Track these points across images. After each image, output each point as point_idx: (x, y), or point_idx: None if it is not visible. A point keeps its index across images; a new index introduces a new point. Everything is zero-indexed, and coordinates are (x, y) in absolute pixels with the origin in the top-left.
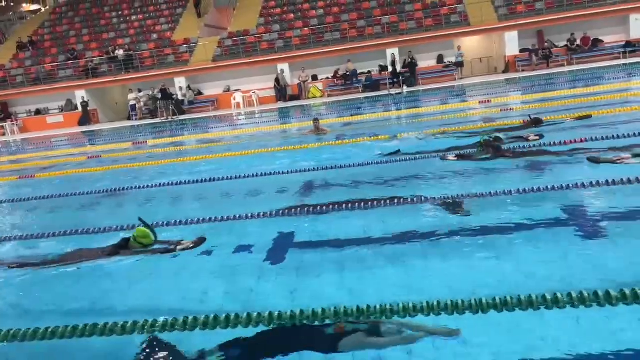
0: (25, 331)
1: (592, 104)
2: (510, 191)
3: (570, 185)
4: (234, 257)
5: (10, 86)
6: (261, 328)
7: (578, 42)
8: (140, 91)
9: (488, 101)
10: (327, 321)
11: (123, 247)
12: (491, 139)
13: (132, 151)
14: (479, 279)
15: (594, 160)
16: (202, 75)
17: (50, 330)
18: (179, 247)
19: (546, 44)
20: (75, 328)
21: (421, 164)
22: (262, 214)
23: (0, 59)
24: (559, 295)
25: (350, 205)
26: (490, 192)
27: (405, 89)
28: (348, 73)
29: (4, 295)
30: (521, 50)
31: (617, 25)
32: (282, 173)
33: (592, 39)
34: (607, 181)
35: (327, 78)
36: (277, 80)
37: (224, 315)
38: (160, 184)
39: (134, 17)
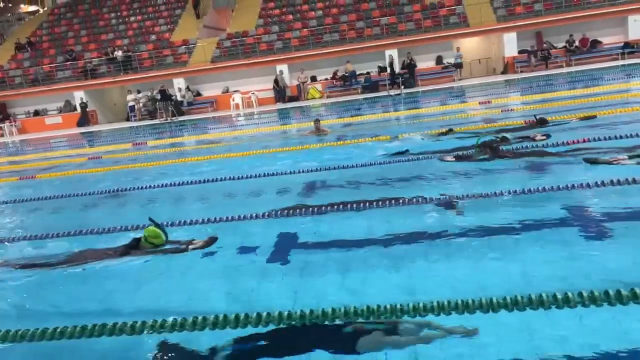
0: (33, 331)
1: (591, 104)
2: (509, 191)
3: (568, 185)
4: (239, 257)
5: (9, 87)
6: (270, 327)
7: (577, 43)
8: (139, 92)
9: (488, 102)
10: (337, 321)
11: (134, 247)
12: (495, 138)
13: (132, 152)
14: (482, 278)
15: (591, 161)
16: (200, 76)
17: (59, 330)
18: (190, 247)
19: (545, 45)
20: (84, 328)
21: (422, 164)
22: (266, 214)
23: None
24: (569, 294)
25: (354, 205)
26: (489, 193)
27: (402, 90)
28: (347, 74)
29: (13, 296)
30: (520, 52)
31: (616, 27)
32: (285, 173)
33: (590, 40)
34: (603, 182)
35: (326, 79)
36: (276, 81)
37: (233, 315)
38: (162, 185)
39: (132, 18)
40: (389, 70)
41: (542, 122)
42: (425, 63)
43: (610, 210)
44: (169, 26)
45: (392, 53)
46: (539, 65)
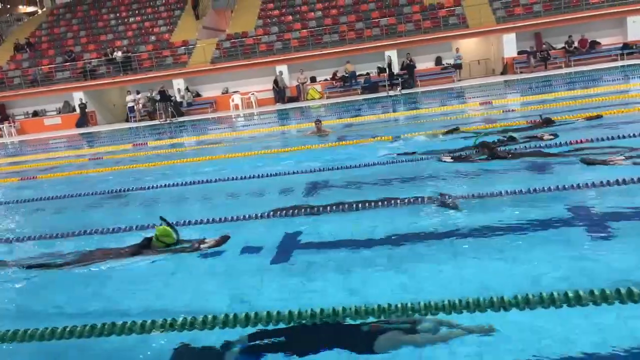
0: (42, 330)
1: (590, 105)
2: (508, 192)
3: (566, 186)
4: (244, 257)
5: (8, 88)
6: (281, 326)
7: (576, 44)
8: (138, 93)
9: (489, 102)
10: (348, 320)
11: (145, 247)
12: (502, 138)
13: (133, 153)
14: (486, 278)
15: (587, 162)
16: (200, 77)
17: (68, 329)
18: (202, 246)
19: (544, 46)
20: (93, 327)
21: (420, 165)
22: (271, 213)
23: None
24: (581, 292)
25: (359, 205)
26: (487, 193)
27: (398, 91)
28: (347, 75)
29: (22, 295)
30: (519, 52)
31: (615, 28)
32: (287, 174)
33: (589, 41)
34: (602, 182)
35: (326, 80)
36: (275, 82)
37: (243, 314)
38: (164, 185)
39: (131, 19)
40: (387, 71)
41: (547, 122)
42: (424, 64)
43: (608, 210)
44: (168, 27)
45: (392, 54)
46: (539, 66)
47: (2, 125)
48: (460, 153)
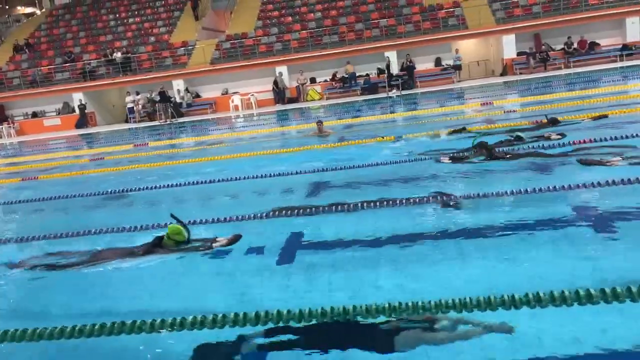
0: (51, 330)
1: (590, 105)
2: (505, 192)
3: (564, 186)
4: (249, 257)
5: (7, 89)
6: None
7: (575, 45)
8: (138, 94)
9: (490, 103)
10: (359, 318)
11: (157, 246)
12: (509, 137)
13: (134, 153)
14: (486, 278)
15: (585, 162)
16: (200, 78)
17: (78, 328)
18: (214, 245)
19: (543, 47)
20: (102, 326)
21: (419, 165)
22: (274, 212)
23: None
24: (592, 291)
25: (362, 205)
26: (485, 193)
27: (394, 92)
28: (347, 76)
29: (31, 295)
30: (518, 53)
31: (614, 29)
32: (289, 174)
33: (589, 42)
34: (598, 182)
35: (326, 81)
36: (275, 82)
37: (253, 313)
38: (166, 185)
39: (131, 20)
40: (386, 72)
41: (553, 122)
42: (424, 65)
43: (608, 210)
44: (167, 28)
45: (391, 55)
46: (538, 67)
47: (1, 126)
48: (458, 154)
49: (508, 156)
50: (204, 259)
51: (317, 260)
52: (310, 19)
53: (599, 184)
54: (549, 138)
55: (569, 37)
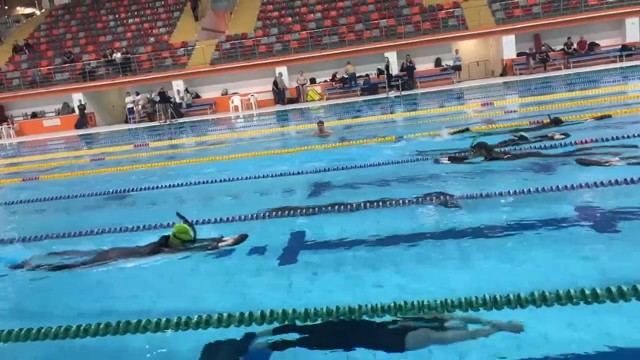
0: (56, 329)
1: (589, 106)
2: (504, 192)
3: (560, 186)
4: (252, 257)
5: (6, 89)
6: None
7: (575, 45)
8: (137, 94)
9: (490, 103)
10: (364, 317)
11: (163, 245)
12: (513, 137)
13: (134, 153)
14: (488, 278)
15: (583, 162)
16: (199, 78)
17: (83, 327)
18: (221, 244)
19: (543, 48)
20: (108, 325)
21: (417, 166)
22: (276, 213)
23: None
24: (598, 290)
25: (365, 205)
26: (483, 194)
27: (393, 92)
28: (347, 76)
29: (37, 295)
30: (518, 54)
31: (613, 29)
32: (291, 174)
33: (588, 42)
34: (595, 182)
35: (325, 81)
36: (275, 83)
37: (259, 312)
38: (168, 185)
39: (130, 20)
40: (385, 73)
41: (556, 122)
42: (424, 65)
43: (607, 209)
44: (167, 28)
45: (391, 55)
46: (538, 68)
47: (0, 127)
48: (457, 154)
49: (507, 156)
50: (207, 259)
51: (319, 260)
52: (310, 19)
53: (601, 183)
54: (552, 138)
55: (568, 38)
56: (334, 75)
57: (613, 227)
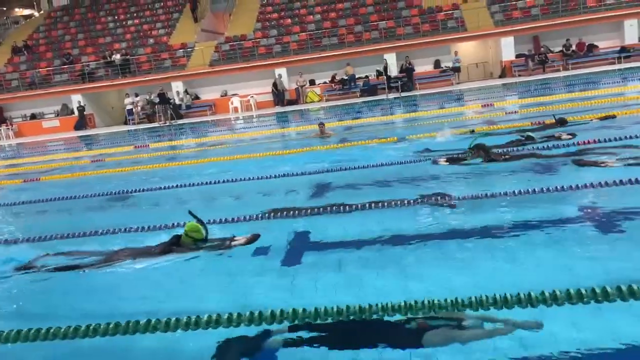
0: (66, 329)
1: (589, 107)
2: (503, 193)
3: (558, 187)
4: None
5: (5, 90)
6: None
7: (573, 47)
8: (137, 95)
9: (490, 104)
10: (375, 316)
11: (175, 244)
12: (520, 137)
13: (135, 154)
14: (489, 278)
15: (580, 163)
16: (199, 80)
17: (92, 327)
18: (233, 244)
19: (542, 49)
20: (117, 325)
21: (416, 167)
22: (279, 214)
23: None
24: (608, 289)
25: (370, 205)
26: (482, 194)
27: (393, 93)
28: (346, 78)
29: (45, 295)
30: (517, 56)
31: (612, 31)
32: (293, 175)
33: (587, 44)
34: (592, 183)
35: (325, 83)
36: (274, 84)
37: (269, 311)
38: (169, 186)
39: (130, 22)
40: (384, 74)
41: (561, 122)
42: (423, 67)
43: (604, 209)
44: (167, 30)
45: (391, 57)
46: (537, 69)
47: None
48: (455, 155)
49: (505, 157)
50: (217, 259)
51: (320, 260)
52: (310, 21)
53: (599, 184)
54: (559, 138)
55: (567, 40)
56: (333, 77)
57: (616, 227)
